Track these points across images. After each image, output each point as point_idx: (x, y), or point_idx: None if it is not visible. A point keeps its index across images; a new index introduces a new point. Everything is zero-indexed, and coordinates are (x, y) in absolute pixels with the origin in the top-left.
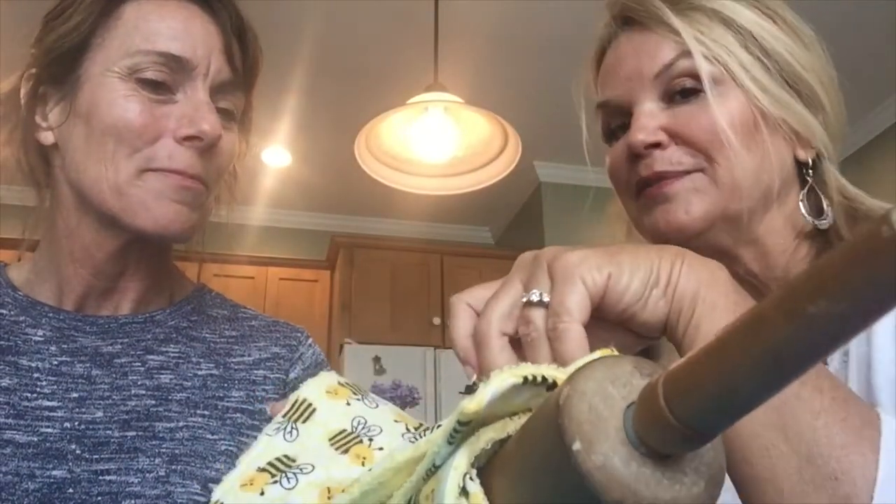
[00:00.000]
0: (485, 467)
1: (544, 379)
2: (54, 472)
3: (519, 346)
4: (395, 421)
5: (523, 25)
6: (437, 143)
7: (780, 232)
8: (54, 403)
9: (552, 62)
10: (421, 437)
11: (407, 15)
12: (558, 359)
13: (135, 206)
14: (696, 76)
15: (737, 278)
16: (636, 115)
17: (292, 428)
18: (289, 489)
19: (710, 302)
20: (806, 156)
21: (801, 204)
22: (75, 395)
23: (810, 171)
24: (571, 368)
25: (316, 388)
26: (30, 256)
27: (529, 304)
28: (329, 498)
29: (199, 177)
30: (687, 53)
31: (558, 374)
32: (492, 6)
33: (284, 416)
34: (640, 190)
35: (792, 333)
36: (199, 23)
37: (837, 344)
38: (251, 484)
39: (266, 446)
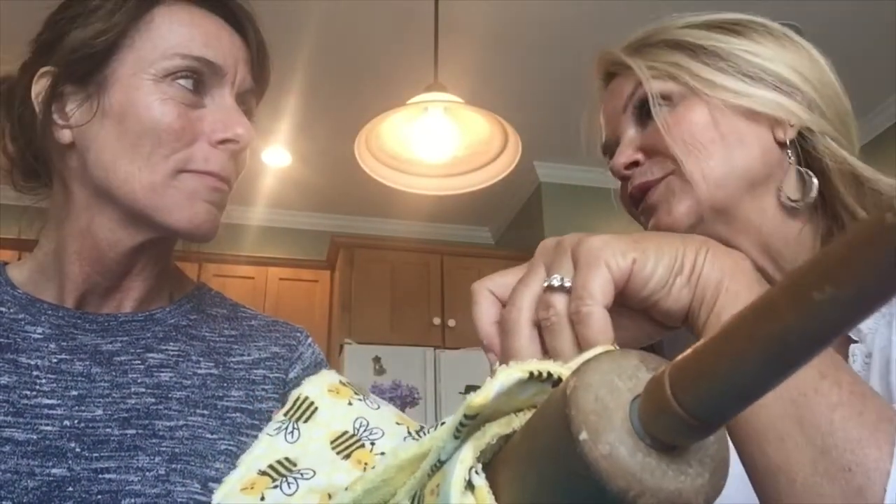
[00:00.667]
0: (489, 462)
1: (549, 375)
2: (54, 470)
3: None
4: (397, 423)
5: (523, 25)
6: (437, 143)
7: (775, 217)
8: (54, 401)
9: (552, 62)
10: (425, 435)
11: (407, 15)
12: (581, 342)
13: (169, 205)
14: (655, 97)
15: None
16: (619, 145)
17: (294, 428)
18: (289, 495)
19: (733, 291)
20: (784, 136)
21: (780, 188)
22: (75, 393)
23: (789, 152)
24: (576, 364)
25: (318, 386)
26: (29, 255)
27: (550, 288)
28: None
29: (228, 179)
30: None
31: (563, 370)
32: (492, 6)
33: (286, 414)
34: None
35: (797, 320)
36: (226, 34)
37: (842, 330)
38: (252, 488)
39: (267, 447)
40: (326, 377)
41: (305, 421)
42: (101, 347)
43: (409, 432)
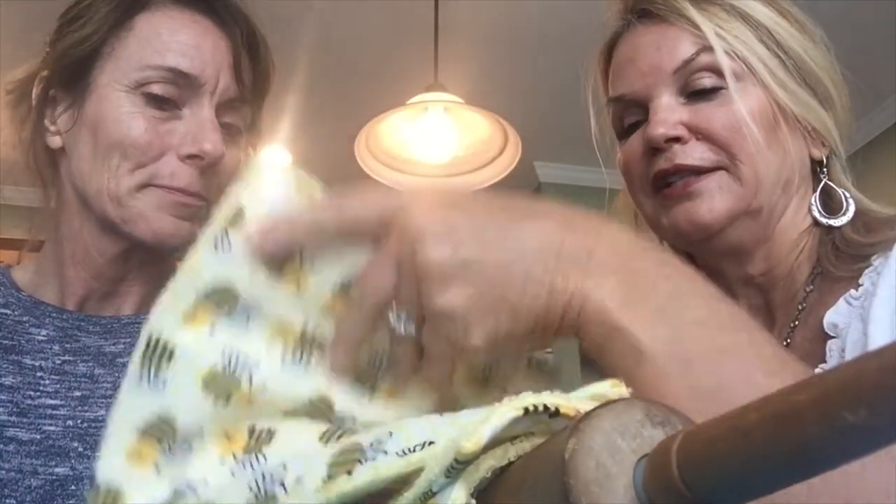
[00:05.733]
0: (486, 489)
1: (546, 407)
2: (57, 470)
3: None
4: (271, 338)
5: (523, 25)
6: (437, 143)
7: (791, 229)
8: (57, 402)
9: (553, 62)
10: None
11: (407, 15)
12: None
13: (134, 217)
14: (716, 71)
15: (743, 278)
16: (654, 109)
17: (155, 375)
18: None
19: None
20: (820, 154)
21: (814, 203)
22: (78, 393)
23: (825, 170)
24: (574, 399)
25: (172, 314)
26: (32, 257)
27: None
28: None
29: (198, 194)
30: (707, 48)
31: (560, 401)
32: (492, 6)
33: (143, 356)
34: (658, 186)
35: (825, 437)
36: (210, 39)
37: (873, 450)
38: (140, 456)
39: (134, 401)
40: (182, 290)
41: (168, 366)
42: (105, 349)
43: (291, 352)
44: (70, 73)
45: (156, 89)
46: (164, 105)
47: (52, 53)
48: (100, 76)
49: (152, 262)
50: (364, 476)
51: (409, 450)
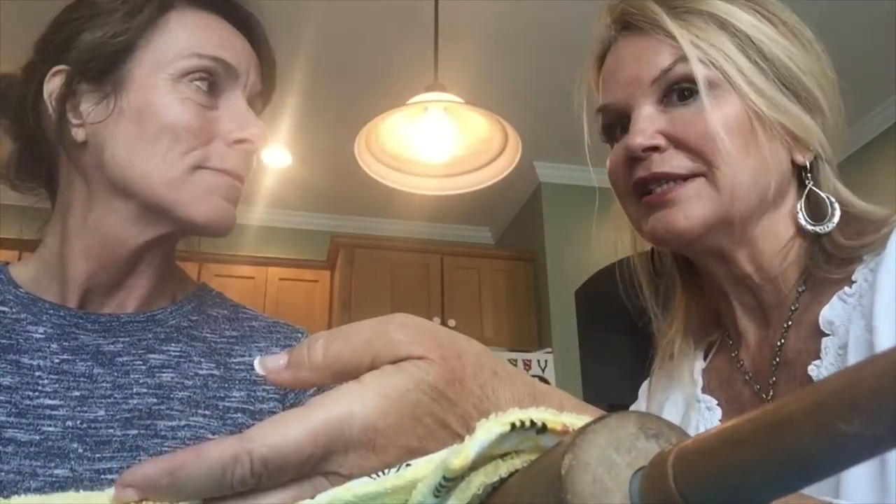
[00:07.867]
0: None
1: (532, 423)
2: (56, 471)
3: None
4: None
5: (523, 25)
6: (437, 143)
7: (776, 234)
8: (56, 402)
9: (552, 62)
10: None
11: (407, 15)
12: None
13: (189, 199)
14: (693, 80)
15: (732, 278)
16: (634, 119)
17: None
18: None
19: None
20: (804, 159)
21: (799, 209)
22: (77, 393)
23: (809, 175)
24: (563, 415)
25: None
26: (32, 255)
27: None
28: None
29: (242, 178)
30: (684, 58)
31: (547, 416)
32: (492, 6)
33: None
34: (640, 193)
35: (820, 446)
36: (238, 41)
37: (868, 458)
38: None
39: None
40: None
41: None
42: (103, 348)
43: None
44: (101, 66)
45: (198, 80)
46: (206, 95)
47: (72, 50)
48: (137, 68)
49: (162, 254)
50: (334, 492)
51: (383, 472)
